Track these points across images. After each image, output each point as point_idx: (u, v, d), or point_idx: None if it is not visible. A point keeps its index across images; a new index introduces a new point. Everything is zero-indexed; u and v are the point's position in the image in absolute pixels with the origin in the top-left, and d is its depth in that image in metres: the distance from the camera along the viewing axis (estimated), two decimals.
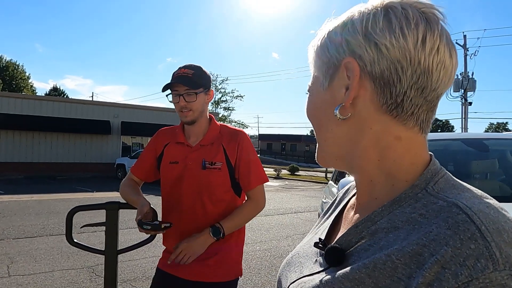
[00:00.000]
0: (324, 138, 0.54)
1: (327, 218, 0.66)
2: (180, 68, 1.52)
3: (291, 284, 0.55)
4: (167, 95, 1.52)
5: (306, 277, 0.52)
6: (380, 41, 0.46)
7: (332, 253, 0.49)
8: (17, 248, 5.39)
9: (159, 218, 1.48)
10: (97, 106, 20.86)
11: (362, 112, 0.49)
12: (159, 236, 1.55)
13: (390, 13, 0.46)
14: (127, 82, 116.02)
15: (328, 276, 0.47)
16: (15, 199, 10.58)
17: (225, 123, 1.69)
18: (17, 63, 44.90)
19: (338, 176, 4.06)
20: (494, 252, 0.36)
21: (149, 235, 1.49)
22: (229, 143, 1.52)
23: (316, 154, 0.57)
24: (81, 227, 1.54)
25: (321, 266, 0.52)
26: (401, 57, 0.45)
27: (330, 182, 5.03)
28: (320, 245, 0.54)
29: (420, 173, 0.48)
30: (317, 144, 0.56)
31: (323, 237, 0.57)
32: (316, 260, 0.54)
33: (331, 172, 4.23)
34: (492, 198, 0.45)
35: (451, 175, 0.49)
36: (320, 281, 0.48)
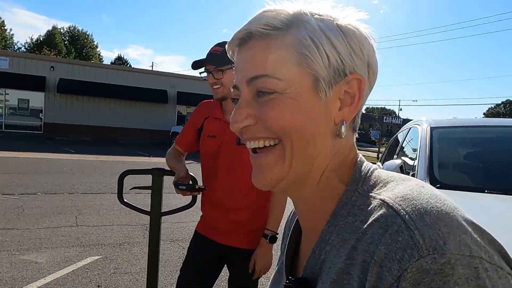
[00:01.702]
0: (304, 155, 0.47)
1: (285, 250, 0.62)
2: (213, 46, 1.57)
3: None
4: (200, 73, 1.59)
5: None
6: (373, 69, 0.50)
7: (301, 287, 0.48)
8: (84, 202, 6.08)
9: (200, 184, 1.60)
10: (155, 75, 21.93)
11: (345, 129, 0.49)
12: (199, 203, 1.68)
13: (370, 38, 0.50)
14: (184, 53, 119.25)
15: None
16: (84, 158, 11.76)
17: None
18: (87, 33, 48.21)
19: (387, 157, 3.92)
20: (418, 240, 0.36)
21: (190, 200, 1.63)
22: None
23: (265, 173, 0.49)
24: (130, 189, 1.72)
25: None
26: (374, 82, 0.51)
27: (378, 163, 4.88)
28: (290, 285, 0.49)
29: (351, 174, 0.49)
30: (286, 161, 0.47)
31: (286, 273, 0.55)
32: None
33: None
34: (413, 178, 0.46)
35: (376, 166, 0.50)
36: None
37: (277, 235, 1.56)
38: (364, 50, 0.47)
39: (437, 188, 2.02)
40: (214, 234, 1.64)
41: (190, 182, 1.52)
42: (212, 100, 1.71)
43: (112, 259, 3.74)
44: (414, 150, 2.52)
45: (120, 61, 50.10)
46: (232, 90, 0.51)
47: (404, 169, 2.24)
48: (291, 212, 0.66)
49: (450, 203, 0.40)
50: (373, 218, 0.41)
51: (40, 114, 19.75)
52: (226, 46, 0.51)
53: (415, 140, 2.62)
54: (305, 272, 0.48)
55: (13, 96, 19.56)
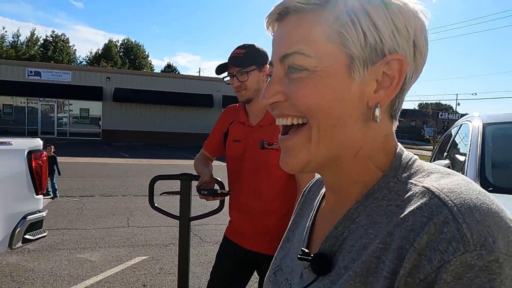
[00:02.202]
0: (331, 137, 0.45)
1: (300, 222, 0.61)
2: (234, 49, 1.55)
3: None
4: (223, 78, 1.58)
5: None
6: (421, 50, 0.45)
7: (319, 262, 0.46)
8: (135, 204, 6.43)
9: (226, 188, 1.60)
10: (202, 81, 22.67)
11: (380, 113, 0.45)
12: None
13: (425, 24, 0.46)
14: None
15: None
16: (137, 162, 12.48)
17: None
18: (139, 44, 51.24)
19: (438, 154, 3.64)
20: (465, 234, 0.35)
21: (218, 205, 1.63)
22: None
23: (291, 157, 0.47)
24: (160, 194, 1.76)
25: (308, 279, 0.48)
26: (422, 66, 0.47)
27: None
28: (304, 256, 0.49)
29: (390, 161, 0.47)
30: (312, 143, 0.45)
31: (304, 247, 0.53)
32: (301, 273, 0.51)
33: None
34: (458, 173, 0.44)
35: (417, 157, 0.48)
36: None
37: None
38: (410, 28, 0.43)
39: (489, 191, 1.81)
40: (241, 239, 1.62)
41: (216, 187, 1.51)
42: (237, 104, 1.71)
43: (158, 260, 3.90)
44: (464, 149, 2.30)
45: (169, 69, 52.52)
46: (268, 67, 0.53)
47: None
48: (310, 184, 0.65)
49: (498, 203, 0.39)
50: (415, 206, 0.39)
51: (99, 122, 21.38)
52: (265, 20, 0.49)
53: (465, 138, 2.39)
54: (323, 246, 0.47)
55: (76, 106, 21.44)
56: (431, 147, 24.71)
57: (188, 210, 1.70)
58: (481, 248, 0.34)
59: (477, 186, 0.41)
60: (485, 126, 2.18)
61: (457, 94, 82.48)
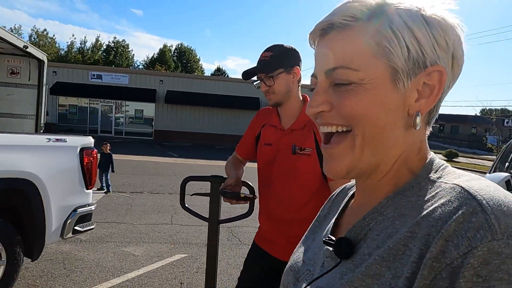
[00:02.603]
0: (376, 144, 0.48)
1: (325, 221, 0.64)
2: (263, 51, 1.50)
3: None
4: (253, 82, 1.54)
5: (320, 279, 0.51)
6: (458, 61, 0.48)
7: (342, 245, 0.49)
8: None
9: (256, 193, 1.56)
10: (248, 84, 22.93)
11: (420, 121, 0.48)
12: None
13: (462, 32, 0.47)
14: None
15: (347, 276, 0.46)
16: (184, 162, 12.94)
17: None
18: (191, 48, 53.33)
19: (500, 164, 3.30)
20: (493, 224, 0.37)
21: (248, 209, 1.59)
22: None
23: (336, 163, 0.50)
24: (191, 195, 1.77)
25: (331, 264, 0.51)
26: (459, 74, 0.49)
27: (487, 174, 4.17)
28: (329, 241, 0.52)
29: (422, 166, 0.50)
30: (356, 150, 0.48)
31: (329, 234, 0.56)
32: (323, 262, 0.53)
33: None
34: (488, 180, 0.45)
35: (449, 165, 0.50)
36: (338, 281, 0.47)
37: None
38: (449, 41, 0.46)
39: None
40: (270, 247, 1.57)
41: (244, 191, 1.47)
42: (270, 107, 1.66)
43: (196, 258, 3.97)
44: None
45: (219, 72, 53.98)
46: (311, 79, 0.53)
47: None
48: (338, 190, 0.69)
49: None
50: (444, 199, 0.42)
51: (152, 122, 22.56)
52: (308, 36, 0.52)
53: None
54: (349, 233, 0.50)
55: (131, 107, 22.83)
56: (494, 157, 22.64)
57: (217, 212, 1.69)
58: (508, 238, 0.36)
59: (505, 190, 0.43)
60: None
61: None
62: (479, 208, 0.38)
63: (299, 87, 1.54)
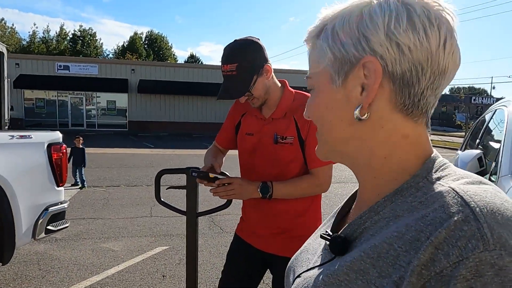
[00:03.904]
0: (333, 138, 0.53)
1: (334, 214, 0.66)
2: (222, 64, 1.38)
3: (296, 277, 0.56)
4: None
5: (311, 270, 0.53)
6: (403, 42, 0.45)
7: (337, 242, 0.50)
8: None
9: None
10: None
11: (378, 112, 0.48)
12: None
13: (412, 12, 0.45)
14: None
15: (333, 267, 0.48)
16: (161, 152, 12.71)
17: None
18: (163, 35, 51.76)
19: (471, 141, 3.40)
20: (486, 233, 0.36)
21: (226, 200, 1.54)
22: (301, 115, 1.37)
23: (317, 149, 0.57)
24: (166, 189, 1.71)
25: (325, 258, 0.53)
26: (423, 59, 0.45)
27: (459, 151, 4.32)
28: (326, 236, 0.54)
29: (422, 164, 0.49)
30: (321, 142, 0.56)
31: (329, 230, 0.58)
32: (321, 254, 0.55)
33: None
34: (490, 183, 0.45)
35: (452, 165, 0.50)
36: (325, 272, 0.48)
37: (269, 194, 1.39)
38: (379, 31, 0.46)
39: None
40: (253, 239, 1.54)
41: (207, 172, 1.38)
42: None
43: (178, 250, 3.92)
44: (499, 136, 2.09)
45: (192, 59, 52.86)
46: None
47: (484, 160, 1.87)
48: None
49: None
50: (437, 203, 0.41)
51: (125, 113, 21.93)
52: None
53: (501, 124, 2.18)
54: (344, 231, 0.51)
55: (103, 98, 22.07)
56: (463, 133, 23.58)
57: (195, 205, 1.64)
58: (501, 249, 0.35)
59: (504, 195, 0.42)
60: None
61: (492, 77, 77.80)
62: (472, 216, 0.37)
63: (273, 77, 1.47)
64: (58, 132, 3.06)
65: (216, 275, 3.35)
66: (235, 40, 1.40)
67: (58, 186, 2.95)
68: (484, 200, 0.39)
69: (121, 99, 21.89)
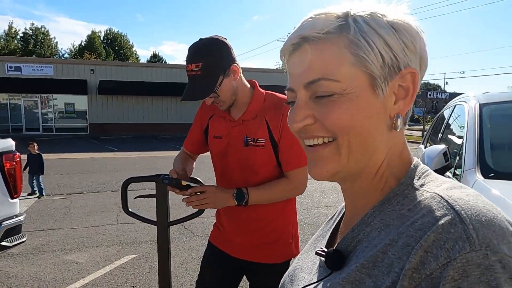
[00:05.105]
0: (362, 151, 0.49)
1: (327, 229, 0.64)
2: (187, 64, 1.30)
3: None
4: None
5: (308, 287, 0.53)
6: (425, 61, 0.50)
7: (332, 257, 0.50)
8: None
9: None
10: None
11: (401, 121, 0.50)
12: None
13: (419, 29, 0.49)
14: None
15: (330, 283, 0.48)
16: (126, 156, 12.24)
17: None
18: (123, 34, 49.92)
19: (432, 136, 3.54)
20: (471, 234, 0.38)
21: (197, 209, 1.46)
22: (273, 116, 1.35)
23: (321, 166, 0.50)
24: (134, 198, 1.62)
25: (322, 275, 0.52)
26: (424, 74, 0.51)
27: (421, 146, 4.48)
28: (321, 252, 0.53)
29: (406, 171, 0.51)
30: (342, 156, 0.49)
31: (323, 246, 0.57)
32: (317, 271, 0.55)
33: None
34: (469, 187, 0.47)
35: (432, 171, 0.51)
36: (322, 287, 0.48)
37: (245, 201, 1.32)
38: (416, 44, 0.48)
39: (491, 177, 1.72)
40: (229, 247, 1.48)
41: (178, 179, 1.29)
42: None
43: (148, 257, 3.77)
44: (460, 131, 2.18)
45: (155, 59, 51.48)
46: (286, 92, 0.52)
47: (448, 155, 1.93)
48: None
49: (505, 214, 0.42)
50: (425, 209, 0.42)
51: (86, 116, 20.92)
52: (280, 52, 0.52)
53: (461, 120, 2.28)
54: (339, 245, 0.51)
55: (60, 100, 20.90)
56: (421, 127, 24.81)
57: (166, 214, 1.55)
58: (486, 249, 0.37)
59: (485, 198, 0.44)
60: (481, 106, 2.06)
61: (445, 73, 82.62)
62: (458, 219, 0.39)
63: (241, 77, 1.40)
64: (10, 139, 2.82)
65: (189, 281, 3.26)
66: (201, 39, 1.33)
67: (12, 198, 2.73)
68: (468, 203, 0.41)
69: (80, 101, 20.83)
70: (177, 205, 3.73)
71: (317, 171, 0.50)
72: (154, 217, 1.64)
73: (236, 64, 1.34)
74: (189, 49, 1.32)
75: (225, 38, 1.34)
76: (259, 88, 1.46)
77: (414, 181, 0.49)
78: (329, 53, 0.47)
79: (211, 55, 1.28)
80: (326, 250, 0.53)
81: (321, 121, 0.48)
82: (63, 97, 20.56)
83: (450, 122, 2.71)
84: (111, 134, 20.11)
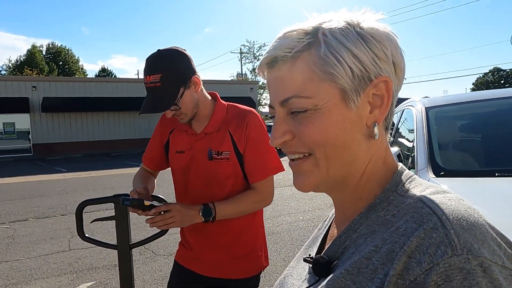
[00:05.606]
0: (339, 162, 0.49)
1: (318, 235, 0.65)
2: (145, 75, 1.25)
3: None
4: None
5: None
6: (400, 66, 0.50)
7: (320, 264, 0.51)
8: None
9: None
10: (140, 83, 21.59)
11: (380, 129, 0.50)
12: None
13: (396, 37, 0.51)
14: None
15: None
16: (76, 176, 11.50)
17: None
18: (67, 48, 47.41)
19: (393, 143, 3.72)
20: (453, 239, 0.38)
21: (160, 229, 1.39)
22: (236, 127, 1.34)
23: (305, 180, 0.51)
24: (90, 222, 1.51)
25: (310, 281, 0.53)
26: (403, 77, 0.51)
27: None
28: (308, 259, 0.54)
29: (391, 178, 0.51)
30: (320, 169, 0.50)
31: (313, 254, 0.58)
32: (306, 277, 0.55)
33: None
34: (452, 192, 0.48)
35: (417, 176, 0.53)
36: None
37: (213, 217, 1.28)
38: (387, 51, 0.48)
39: (441, 176, 1.85)
40: (196, 265, 1.42)
41: (154, 202, 1.24)
42: None
43: (106, 284, 3.53)
44: (410, 135, 2.32)
45: (104, 73, 49.45)
46: (268, 108, 0.54)
47: (402, 157, 2.04)
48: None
49: (486, 218, 0.43)
50: (408, 215, 0.43)
51: (28, 136, 19.40)
52: (257, 69, 0.54)
53: (410, 123, 2.42)
54: (326, 252, 0.52)
55: None
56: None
57: (127, 236, 1.46)
58: (467, 253, 0.37)
59: (467, 203, 0.44)
60: (427, 109, 2.21)
61: None
62: (439, 224, 0.40)
63: (203, 89, 1.38)
64: None
65: None
66: (159, 50, 1.29)
67: None
68: (450, 208, 0.42)
69: (21, 120, 19.26)
70: (135, 224, 3.56)
71: (300, 183, 0.52)
72: (113, 240, 1.53)
73: (197, 76, 1.31)
74: (147, 60, 1.27)
75: (184, 49, 1.32)
76: (221, 100, 1.44)
77: (399, 187, 0.50)
78: (299, 71, 0.48)
79: (170, 65, 1.24)
80: (313, 257, 0.53)
81: (298, 136, 0.50)
82: (2, 116, 18.92)
83: (399, 126, 2.87)
84: (58, 154, 18.81)
